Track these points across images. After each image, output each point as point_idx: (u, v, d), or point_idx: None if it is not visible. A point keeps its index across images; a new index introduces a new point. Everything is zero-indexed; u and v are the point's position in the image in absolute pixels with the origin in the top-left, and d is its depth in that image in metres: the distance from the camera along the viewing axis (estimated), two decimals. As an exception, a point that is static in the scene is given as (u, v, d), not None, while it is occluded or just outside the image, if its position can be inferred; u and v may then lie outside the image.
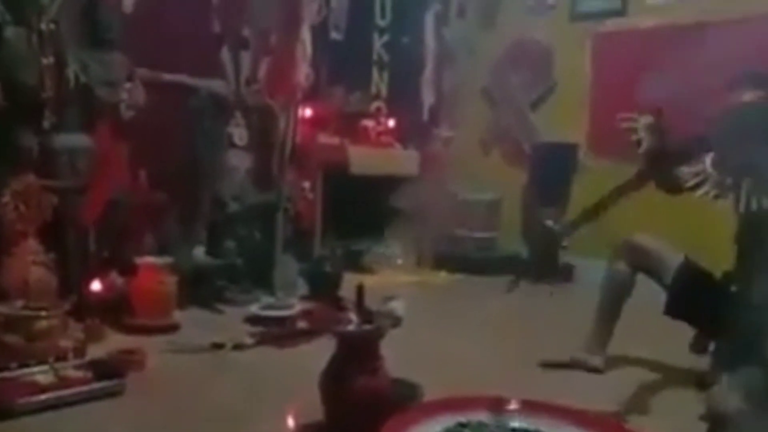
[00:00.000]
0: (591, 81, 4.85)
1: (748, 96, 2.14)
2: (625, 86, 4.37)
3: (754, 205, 1.90)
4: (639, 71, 3.86)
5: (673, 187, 2.22)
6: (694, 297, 2.33)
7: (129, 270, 2.96)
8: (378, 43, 5.22)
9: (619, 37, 4.66)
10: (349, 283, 3.55)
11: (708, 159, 2.03)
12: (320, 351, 1.98)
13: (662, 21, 4.42)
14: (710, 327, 2.28)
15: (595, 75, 4.84)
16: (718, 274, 2.40)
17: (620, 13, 4.74)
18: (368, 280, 3.86)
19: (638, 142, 2.22)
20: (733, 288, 2.23)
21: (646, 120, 2.21)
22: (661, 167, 2.23)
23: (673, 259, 2.42)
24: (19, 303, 2.43)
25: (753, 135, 2.03)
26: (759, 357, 1.78)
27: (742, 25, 3.91)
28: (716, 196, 1.97)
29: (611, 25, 4.77)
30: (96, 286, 2.87)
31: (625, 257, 2.51)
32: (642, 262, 2.47)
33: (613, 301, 2.54)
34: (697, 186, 2.01)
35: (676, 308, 2.36)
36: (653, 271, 2.45)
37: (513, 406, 1.74)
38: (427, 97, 5.30)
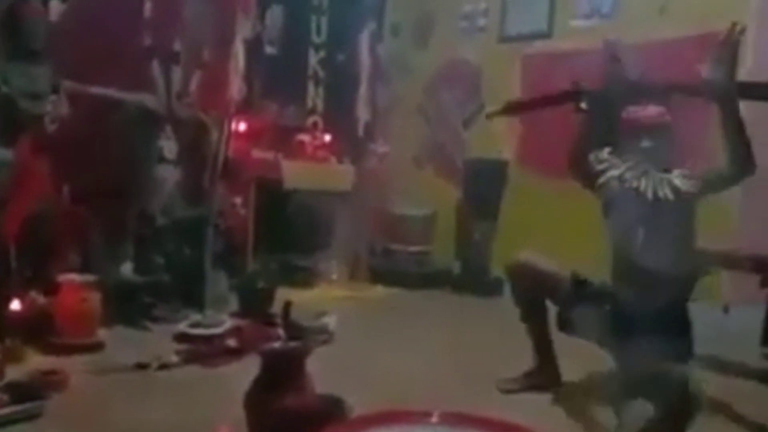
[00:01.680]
0: (520, 99, 5.02)
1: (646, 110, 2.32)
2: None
3: (650, 195, 2.21)
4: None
5: (587, 174, 2.37)
6: (584, 311, 2.33)
7: (51, 288, 2.87)
8: (314, 58, 5.26)
9: (546, 58, 4.85)
10: (283, 298, 3.53)
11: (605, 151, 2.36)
12: (248, 369, 1.98)
13: (585, 43, 4.62)
14: (603, 340, 2.30)
15: (523, 94, 5.01)
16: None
17: (546, 35, 4.94)
18: (302, 296, 3.89)
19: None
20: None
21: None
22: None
23: (563, 275, 2.43)
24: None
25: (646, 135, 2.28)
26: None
27: (659, 46, 4.15)
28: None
29: (538, 46, 4.96)
30: (15, 305, 2.77)
31: (519, 283, 2.53)
32: (535, 285, 2.46)
33: (538, 327, 2.55)
34: (602, 172, 2.32)
35: (569, 324, 2.37)
36: (547, 292, 2.44)
37: (435, 418, 1.78)
38: (363, 113, 5.37)
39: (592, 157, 2.37)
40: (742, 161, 2.11)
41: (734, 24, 2.03)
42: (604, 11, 4.66)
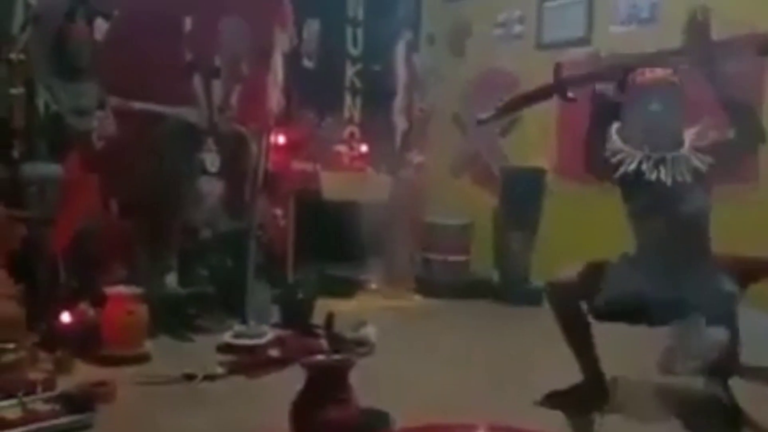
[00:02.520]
0: (557, 108, 4.97)
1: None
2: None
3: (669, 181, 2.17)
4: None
5: (602, 167, 2.33)
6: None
7: (99, 300, 2.94)
8: (350, 70, 5.31)
9: (584, 65, 4.79)
10: (322, 308, 3.56)
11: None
12: (292, 380, 2.00)
13: (624, 49, 4.56)
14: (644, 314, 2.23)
15: (561, 102, 4.96)
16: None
17: (585, 42, 4.88)
18: (342, 306, 3.91)
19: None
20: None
21: None
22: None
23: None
24: (-14, 336, 2.41)
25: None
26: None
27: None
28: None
29: (576, 52, 4.91)
30: (65, 317, 2.84)
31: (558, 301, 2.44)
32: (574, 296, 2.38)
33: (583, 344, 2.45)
34: (618, 165, 2.25)
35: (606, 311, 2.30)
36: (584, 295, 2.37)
37: (481, 431, 1.77)
38: (399, 123, 5.37)
39: (606, 148, 2.30)
40: (750, 129, 2.08)
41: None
42: (643, 16, 4.60)
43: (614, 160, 2.29)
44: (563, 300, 2.38)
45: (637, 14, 4.61)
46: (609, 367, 2.40)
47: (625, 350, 2.65)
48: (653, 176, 2.21)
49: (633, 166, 2.24)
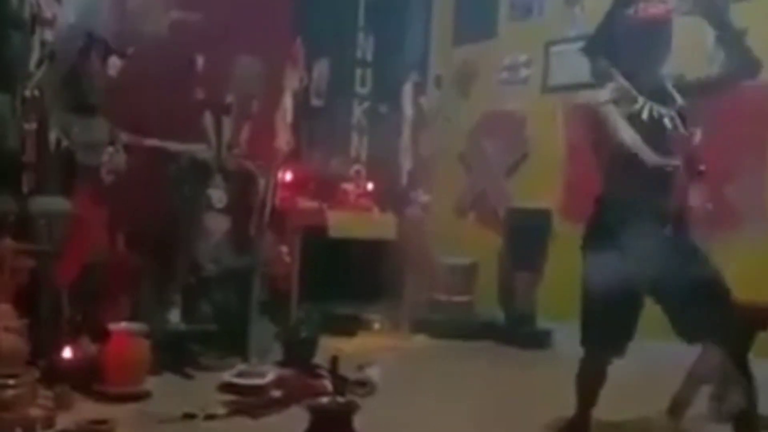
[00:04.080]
0: (564, 150, 5.00)
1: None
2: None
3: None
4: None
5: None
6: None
7: (102, 335, 2.93)
8: (358, 109, 5.37)
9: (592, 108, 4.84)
10: (326, 347, 3.54)
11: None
12: (294, 421, 1.97)
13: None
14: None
15: (568, 144, 5.00)
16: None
17: (592, 85, 4.93)
18: (345, 345, 3.88)
19: None
20: None
21: None
22: None
23: None
24: (-12, 370, 2.38)
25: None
26: None
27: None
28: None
29: (584, 96, 4.96)
30: (67, 352, 2.83)
31: None
32: None
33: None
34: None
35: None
36: None
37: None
38: (405, 162, 5.41)
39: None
40: (739, 58, 2.15)
41: None
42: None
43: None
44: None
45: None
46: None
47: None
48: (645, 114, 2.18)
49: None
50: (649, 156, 2.17)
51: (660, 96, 2.24)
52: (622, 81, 2.25)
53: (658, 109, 2.22)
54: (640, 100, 2.21)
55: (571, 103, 4.98)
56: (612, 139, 2.20)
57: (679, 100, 2.25)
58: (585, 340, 2.31)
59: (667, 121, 2.22)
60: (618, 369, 2.31)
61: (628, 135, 2.17)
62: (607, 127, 2.21)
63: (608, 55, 2.35)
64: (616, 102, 2.22)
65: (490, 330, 4.70)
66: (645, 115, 2.20)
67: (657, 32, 2.28)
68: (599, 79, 2.37)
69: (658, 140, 2.19)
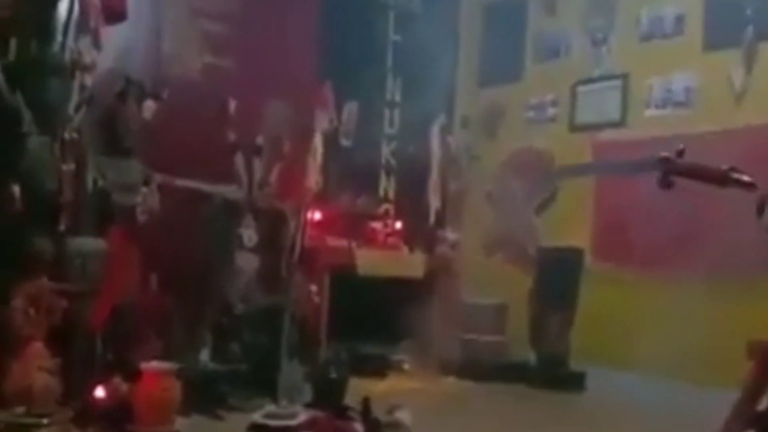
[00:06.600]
0: (593, 188, 4.98)
1: None
2: (626, 194, 4.51)
3: None
4: (639, 180, 3.98)
5: None
6: None
7: (133, 375, 2.93)
8: (386, 149, 5.43)
9: (620, 147, 4.82)
10: (355, 388, 3.49)
11: None
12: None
13: (660, 131, 4.59)
14: None
15: (597, 182, 4.97)
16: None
17: (620, 124, 4.93)
18: (375, 386, 3.82)
19: None
20: None
21: None
22: None
23: None
24: (21, 410, 2.40)
25: None
26: None
27: (732, 136, 4.08)
28: None
29: (611, 134, 4.95)
30: (99, 392, 2.83)
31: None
32: None
33: None
34: None
35: None
36: None
37: None
38: (433, 201, 5.40)
39: None
40: None
41: None
42: (679, 100, 4.65)
43: None
44: None
45: (672, 98, 4.67)
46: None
47: None
48: None
49: None
50: None
51: None
52: None
53: None
54: None
55: (598, 141, 4.99)
56: None
57: None
58: None
59: None
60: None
61: None
62: None
63: None
64: None
65: (521, 372, 4.61)
66: None
67: None
68: None
69: None
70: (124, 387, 2.90)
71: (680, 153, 2.35)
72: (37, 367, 2.66)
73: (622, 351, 4.41)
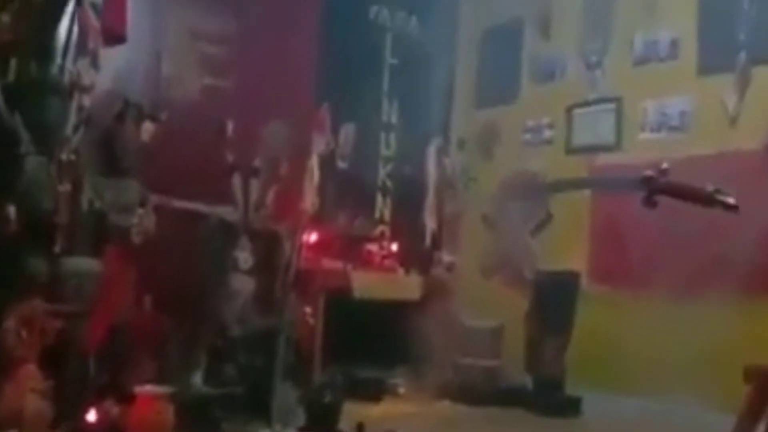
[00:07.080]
0: (589, 211, 4.99)
1: None
2: (622, 216, 4.52)
3: None
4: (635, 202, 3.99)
5: None
6: None
7: (127, 398, 2.90)
8: (382, 171, 5.44)
9: (616, 169, 4.84)
10: (349, 411, 3.46)
11: None
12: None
13: (654, 155, 4.61)
14: None
15: (593, 205, 4.98)
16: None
17: (615, 147, 4.96)
18: (369, 410, 3.79)
19: None
20: None
21: None
22: None
23: None
24: (12, 434, 2.37)
25: None
26: None
27: (726, 159, 4.11)
28: None
29: (607, 158, 4.97)
30: (91, 415, 2.80)
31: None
32: None
33: None
34: None
35: None
36: None
37: None
38: (430, 223, 5.41)
39: None
40: None
41: None
42: (673, 124, 4.68)
43: None
44: None
45: (667, 122, 4.70)
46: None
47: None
48: None
49: None
50: None
51: None
52: None
53: None
54: None
55: (595, 164, 5.01)
56: None
57: None
58: None
59: None
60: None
61: None
62: None
63: None
64: None
65: (517, 396, 4.58)
66: None
67: None
68: None
69: None
70: (115, 410, 2.88)
71: (663, 172, 2.37)
72: (30, 390, 2.63)
73: (619, 373, 4.39)
